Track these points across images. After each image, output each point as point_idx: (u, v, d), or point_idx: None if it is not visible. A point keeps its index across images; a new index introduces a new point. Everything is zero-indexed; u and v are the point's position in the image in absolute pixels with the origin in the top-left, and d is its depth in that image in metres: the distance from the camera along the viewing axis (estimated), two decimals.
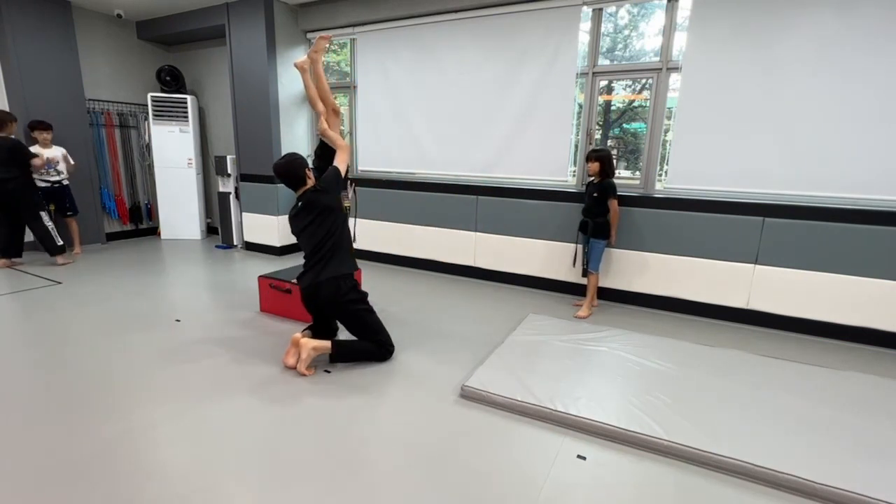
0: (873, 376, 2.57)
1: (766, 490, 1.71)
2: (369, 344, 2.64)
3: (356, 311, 2.60)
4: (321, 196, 2.54)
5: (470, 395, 2.31)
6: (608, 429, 1.99)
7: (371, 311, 2.67)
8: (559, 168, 4.10)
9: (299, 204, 2.58)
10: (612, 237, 3.56)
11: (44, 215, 4.51)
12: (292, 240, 5.21)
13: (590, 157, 3.48)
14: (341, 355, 2.59)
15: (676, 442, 1.88)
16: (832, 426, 2.05)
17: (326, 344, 2.53)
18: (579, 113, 4.07)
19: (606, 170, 3.46)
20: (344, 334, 2.77)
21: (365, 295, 2.66)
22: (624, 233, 3.70)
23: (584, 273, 3.64)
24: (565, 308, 3.70)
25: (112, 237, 5.85)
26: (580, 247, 3.71)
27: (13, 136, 4.35)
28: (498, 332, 3.09)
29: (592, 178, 3.54)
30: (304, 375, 2.46)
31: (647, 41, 3.94)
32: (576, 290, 3.94)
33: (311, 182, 2.58)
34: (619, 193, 3.52)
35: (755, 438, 1.93)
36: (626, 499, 1.65)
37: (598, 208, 3.50)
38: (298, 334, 2.56)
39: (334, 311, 2.61)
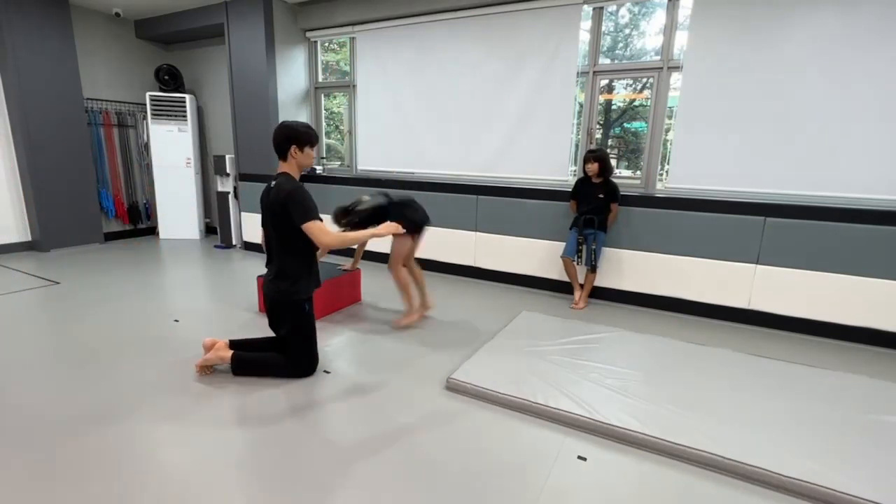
0: (875, 379, 2.56)
1: (767, 492, 1.69)
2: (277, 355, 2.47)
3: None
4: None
5: (454, 388, 2.33)
6: (607, 428, 1.98)
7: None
8: (560, 167, 4.09)
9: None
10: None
11: None
12: None
13: (589, 158, 3.51)
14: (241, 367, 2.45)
15: (676, 442, 1.87)
16: (833, 428, 2.03)
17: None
18: (580, 112, 4.06)
19: (606, 169, 3.48)
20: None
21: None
22: (625, 232, 3.69)
23: (594, 269, 3.64)
24: (562, 307, 3.68)
25: (110, 237, 5.83)
26: (581, 242, 3.70)
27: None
28: (491, 329, 3.08)
29: (592, 177, 3.54)
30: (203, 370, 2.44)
31: (647, 40, 3.93)
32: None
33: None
34: (621, 193, 3.58)
35: (755, 439, 1.91)
36: (626, 499, 1.64)
37: (604, 207, 3.55)
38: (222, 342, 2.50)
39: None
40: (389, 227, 2.40)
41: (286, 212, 2.20)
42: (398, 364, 2.64)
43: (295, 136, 2.26)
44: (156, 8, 5.35)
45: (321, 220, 2.23)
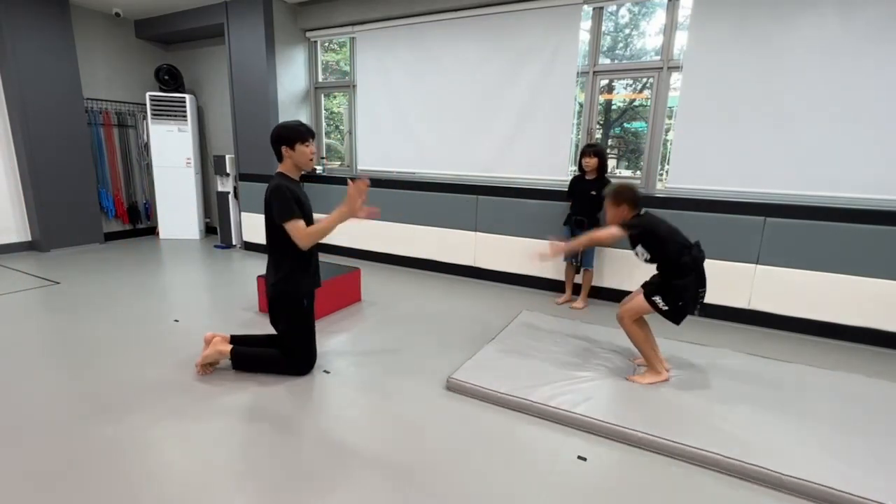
0: (874, 378, 2.56)
1: (767, 491, 1.69)
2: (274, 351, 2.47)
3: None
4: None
5: (455, 388, 2.33)
6: (607, 428, 1.98)
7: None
8: (560, 167, 4.09)
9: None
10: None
11: None
12: None
13: (587, 152, 3.47)
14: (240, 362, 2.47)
15: (677, 442, 1.87)
16: (833, 427, 2.04)
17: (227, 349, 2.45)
18: (580, 112, 4.06)
19: (604, 165, 3.46)
20: None
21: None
22: None
23: (578, 269, 3.68)
24: (562, 306, 3.69)
25: (110, 237, 5.83)
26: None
27: None
28: (492, 329, 3.08)
29: (586, 174, 3.52)
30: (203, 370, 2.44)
31: (647, 40, 3.93)
32: (575, 288, 3.93)
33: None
34: None
35: (755, 438, 1.92)
36: (626, 499, 1.64)
37: (595, 206, 3.50)
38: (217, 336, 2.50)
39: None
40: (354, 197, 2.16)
41: (271, 209, 2.26)
42: (398, 364, 2.64)
43: (284, 135, 2.28)
44: (156, 8, 5.35)
45: (301, 219, 2.23)
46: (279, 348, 2.45)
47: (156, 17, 5.61)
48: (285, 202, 2.21)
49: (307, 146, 2.31)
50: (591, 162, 3.44)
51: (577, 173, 3.68)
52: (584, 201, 3.54)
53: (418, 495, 1.62)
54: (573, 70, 3.89)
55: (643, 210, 2.39)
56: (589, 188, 3.50)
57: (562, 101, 3.98)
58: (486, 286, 4.26)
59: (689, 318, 2.30)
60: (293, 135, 2.28)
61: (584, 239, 2.43)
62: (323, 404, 2.22)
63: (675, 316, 2.28)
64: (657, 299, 2.28)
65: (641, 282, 2.43)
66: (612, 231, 2.27)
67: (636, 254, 2.38)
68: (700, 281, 2.29)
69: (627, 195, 2.34)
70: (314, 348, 2.49)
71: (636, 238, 2.33)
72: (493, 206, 4.25)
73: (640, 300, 2.34)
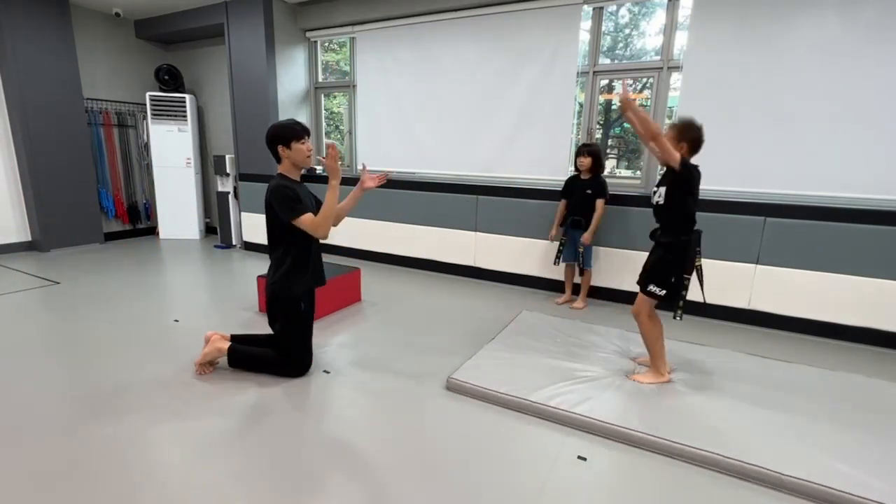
0: (874, 378, 2.56)
1: (767, 491, 1.69)
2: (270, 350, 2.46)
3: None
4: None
5: (455, 388, 2.33)
6: (607, 428, 1.98)
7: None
8: (560, 167, 4.09)
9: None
10: (591, 236, 3.49)
11: None
12: None
13: (582, 151, 3.47)
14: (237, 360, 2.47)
15: (677, 442, 1.87)
16: (833, 428, 2.03)
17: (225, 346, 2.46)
18: (580, 112, 4.06)
19: (599, 165, 3.46)
20: None
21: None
22: (624, 232, 3.68)
23: (582, 271, 3.67)
24: (562, 307, 3.69)
25: (110, 237, 5.83)
26: (563, 243, 3.70)
27: None
28: (492, 329, 3.08)
29: (581, 174, 3.52)
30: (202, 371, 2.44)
31: (647, 40, 3.93)
32: (575, 288, 3.92)
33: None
34: (619, 193, 3.54)
35: (755, 438, 1.92)
36: (626, 499, 1.64)
37: (591, 205, 3.50)
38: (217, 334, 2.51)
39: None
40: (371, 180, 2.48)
41: (273, 210, 2.26)
42: (398, 364, 2.64)
43: (279, 134, 2.27)
44: (156, 8, 5.35)
45: (307, 212, 2.23)
46: (274, 348, 2.45)
47: (156, 17, 5.61)
48: (286, 201, 2.21)
49: (303, 143, 2.31)
50: (585, 161, 3.44)
51: (573, 173, 3.68)
52: (580, 201, 3.54)
53: (418, 496, 1.62)
54: (573, 70, 3.89)
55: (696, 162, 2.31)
56: (584, 188, 3.50)
57: (562, 101, 3.98)
58: (486, 286, 4.26)
59: (687, 317, 2.31)
60: (288, 133, 2.28)
61: (654, 126, 2.25)
62: (323, 404, 2.22)
63: (671, 298, 2.33)
64: (652, 288, 2.33)
65: (637, 280, 2.49)
66: (675, 154, 2.21)
67: (653, 192, 2.42)
68: (685, 265, 2.31)
69: (692, 134, 2.27)
70: (310, 350, 2.49)
71: (673, 178, 2.27)
72: (493, 206, 4.25)
73: (641, 296, 2.39)
